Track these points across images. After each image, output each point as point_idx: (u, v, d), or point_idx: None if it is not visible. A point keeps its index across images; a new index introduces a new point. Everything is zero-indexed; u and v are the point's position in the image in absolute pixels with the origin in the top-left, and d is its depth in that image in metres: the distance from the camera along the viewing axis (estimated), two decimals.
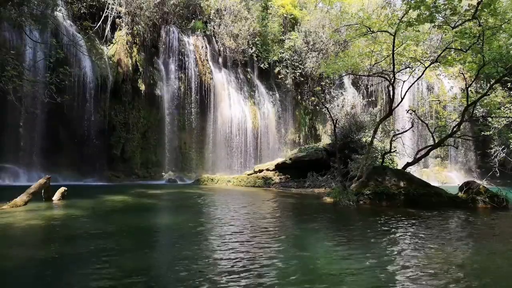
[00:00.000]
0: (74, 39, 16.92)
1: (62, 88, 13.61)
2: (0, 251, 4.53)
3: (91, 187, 14.83)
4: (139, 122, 20.42)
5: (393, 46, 11.64)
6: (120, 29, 20.06)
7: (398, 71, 13.24)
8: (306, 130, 27.65)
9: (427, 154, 13.85)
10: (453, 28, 10.88)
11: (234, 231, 6.09)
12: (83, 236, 5.47)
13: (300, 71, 26.08)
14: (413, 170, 16.36)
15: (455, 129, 12.70)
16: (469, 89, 12.78)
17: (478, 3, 9.86)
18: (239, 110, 23.75)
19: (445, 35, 12.64)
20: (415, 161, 12.71)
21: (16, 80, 11.93)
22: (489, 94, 14.51)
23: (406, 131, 14.63)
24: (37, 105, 15.87)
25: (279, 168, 18.24)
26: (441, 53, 12.46)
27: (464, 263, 4.37)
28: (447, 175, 25.42)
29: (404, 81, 13.48)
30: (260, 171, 18.68)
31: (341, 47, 25.07)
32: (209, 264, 4.09)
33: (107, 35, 19.66)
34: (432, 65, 12.94)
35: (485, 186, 10.78)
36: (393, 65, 12.14)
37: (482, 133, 20.48)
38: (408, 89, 13.43)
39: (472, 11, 10.16)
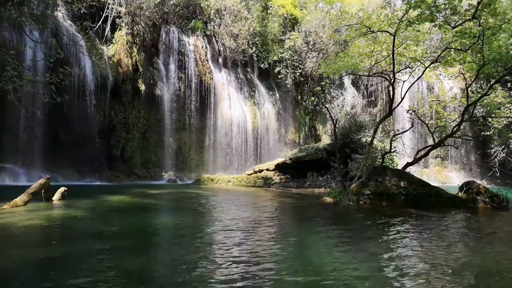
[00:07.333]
0: (74, 39, 16.92)
1: (62, 88, 13.64)
2: (0, 251, 4.53)
3: (91, 187, 14.83)
4: (139, 122, 20.44)
5: (393, 46, 11.65)
6: (120, 29, 20.07)
7: (398, 71, 13.24)
8: (306, 130, 27.65)
9: (427, 154, 13.86)
10: (453, 28, 10.89)
11: (234, 230, 6.08)
12: (83, 236, 5.47)
13: (300, 71, 26.07)
14: (413, 170, 16.34)
15: (455, 129, 12.70)
16: (469, 89, 12.79)
17: (478, 3, 9.87)
18: (239, 110, 23.75)
19: (445, 35, 12.63)
20: (415, 161, 12.71)
21: (16, 80, 11.95)
22: (489, 94, 14.53)
23: (406, 131, 14.63)
24: (37, 105, 15.87)
25: (279, 168, 18.24)
26: (441, 53, 12.47)
27: (466, 263, 4.37)
28: (447, 175, 25.39)
29: (404, 81, 13.48)
30: (260, 171, 18.69)
31: (341, 47, 25.06)
32: (208, 264, 4.09)
33: (107, 35, 19.67)
34: (432, 65, 12.95)
35: (485, 186, 10.78)
36: (393, 65, 12.15)
37: (482, 133, 20.52)
38: (408, 89, 13.43)
39: (472, 11, 10.17)
